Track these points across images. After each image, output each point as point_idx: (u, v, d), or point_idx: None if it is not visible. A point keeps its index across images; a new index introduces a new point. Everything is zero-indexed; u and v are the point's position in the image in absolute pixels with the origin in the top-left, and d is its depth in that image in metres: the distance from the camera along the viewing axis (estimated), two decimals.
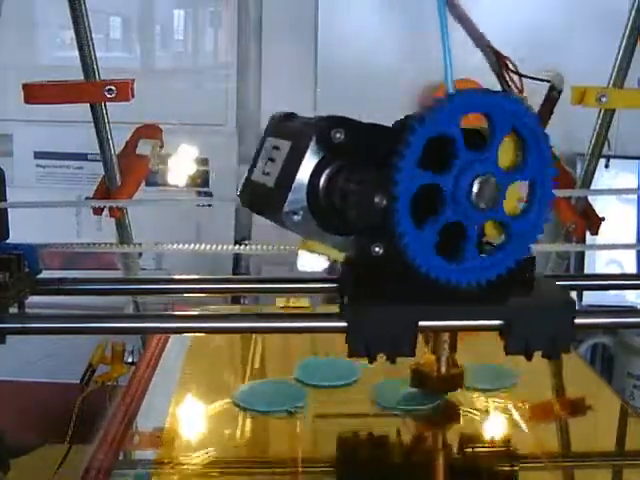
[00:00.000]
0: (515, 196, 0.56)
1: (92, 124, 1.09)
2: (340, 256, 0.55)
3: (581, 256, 1.55)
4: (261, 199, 0.57)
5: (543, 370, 0.86)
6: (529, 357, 0.56)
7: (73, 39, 1.04)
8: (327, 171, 0.53)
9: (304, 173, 0.53)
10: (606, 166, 1.52)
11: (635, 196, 1.61)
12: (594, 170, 1.13)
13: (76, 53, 1.04)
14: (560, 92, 0.69)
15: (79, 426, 1.04)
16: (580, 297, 1.42)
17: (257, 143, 0.60)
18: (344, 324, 0.55)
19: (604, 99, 1.02)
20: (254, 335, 0.90)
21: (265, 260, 1.57)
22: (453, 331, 0.65)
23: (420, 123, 0.51)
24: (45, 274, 0.67)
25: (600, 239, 1.17)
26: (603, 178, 1.50)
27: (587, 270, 1.57)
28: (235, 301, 1.51)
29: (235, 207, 1.65)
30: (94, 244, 0.79)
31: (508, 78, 0.68)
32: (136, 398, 0.76)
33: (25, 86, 1.02)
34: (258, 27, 1.68)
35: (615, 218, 1.45)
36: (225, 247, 0.75)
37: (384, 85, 1.61)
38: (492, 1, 1.59)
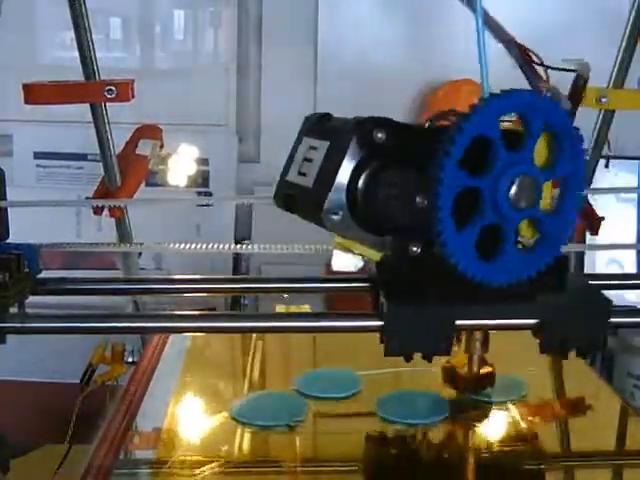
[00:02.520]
0: (548, 193, 0.56)
1: (92, 124, 1.09)
2: (377, 255, 0.55)
3: (581, 256, 1.55)
4: (298, 199, 0.57)
5: (544, 370, 0.86)
6: (565, 355, 0.57)
7: (73, 39, 1.04)
8: (367, 171, 0.53)
9: (344, 173, 0.53)
10: (606, 166, 1.52)
11: (635, 196, 1.61)
12: (594, 170, 1.13)
13: (76, 53, 1.04)
14: (587, 80, 0.69)
15: (79, 426, 1.04)
16: None
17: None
18: (380, 323, 0.55)
19: (604, 99, 1.02)
20: (253, 343, 0.89)
21: (265, 260, 1.57)
22: (489, 330, 0.66)
23: (465, 122, 0.51)
24: (45, 274, 0.67)
25: (600, 239, 1.17)
26: (603, 178, 1.50)
27: (587, 270, 1.57)
28: (235, 301, 1.51)
29: (235, 207, 1.66)
30: (94, 244, 0.79)
31: (533, 70, 0.68)
32: (136, 398, 0.76)
33: (25, 86, 1.02)
34: (258, 27, 1.68)
35: (615, 218, 1.45)
36: (225, 247, 0.75)
37: (384, 85, 1.61)
38: (492, 1, 1.59)
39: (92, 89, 1.04)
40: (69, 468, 0.94)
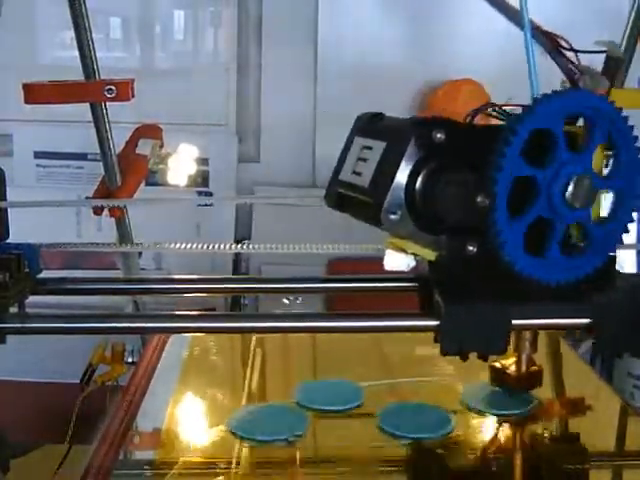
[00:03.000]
0: (598, 203, 0.57)
1: (92, 124, 1.09)
2: (431, 255, 0.55)
3: None
4: (353, 199, 0.57)
5: (543, 370, 0.86)
6: (620, 355, 0.58)
7: (73, 39, 1.04)
8: (425, 171, 0.53)
9: (402, 173, 0.53)
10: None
11: None
12: None
13: (76, 53, 1.04)
14: (621, 60, 0.69)
15: (79, 426, 1.04)
16: None
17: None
18: (436, 323, 0.55)
19: None
20: (252, 351, 0.89)
21: (265, 260, 1.57)
22: (542, 329, 0.67)
23: (528, 114, 0.52)
24: (45, 274, 0.67)
25: None
26: None
27: None
28: (235, 301, 1.51)
29: (235, 207, 1.66)
30: (94, 244, 0.79)
31: (563, 55, 0.68)
32: (136, 398, 0.76)
33: (25, 86, 1.02)
34: (258, 27, 1.67)
35: None
36: (225, 247, 0.75)
37: (384, 84, 1.61)
38: None
39: (92, 89, 1.04)
40: (69, 468, 0.94)
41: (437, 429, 0.68)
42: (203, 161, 1.65)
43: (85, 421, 0.99)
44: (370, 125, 0.59)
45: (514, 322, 0.56)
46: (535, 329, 0.66)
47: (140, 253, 1.41)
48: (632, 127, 0.56)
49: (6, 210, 0.67)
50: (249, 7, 1.67)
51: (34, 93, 1.03)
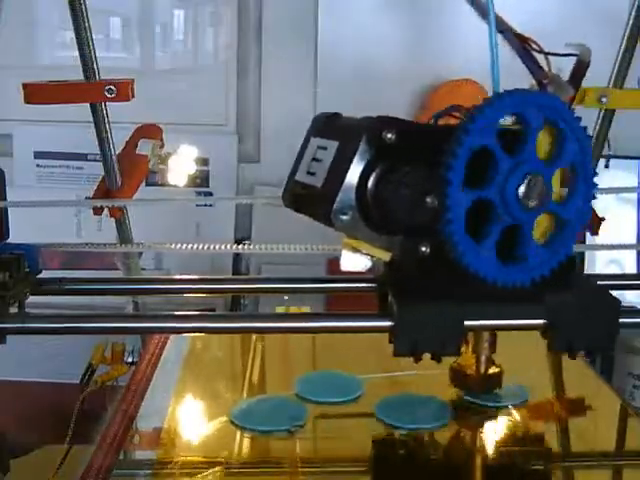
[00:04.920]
0: (558, 184, 0.56)
1: (92, 124, 1.09)
2: (386, 255, 0.55)
3: (581, 256, 1.55)
4: (307, 199, 0.57)
5: (543, 370, 0.86)
6: (573, 356, 0.57)
7: (73, 39, 1.04)
8: (376, 171, 0.53)
9: (353, 173, 0.53)
10: (606, 166, 1.52)
11: (635, 196, 1.61)
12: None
13: (76, 53, 1.04)
14: (588, 64, 0.69)
15: (79, 426, 1.04)
16: None
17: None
18: (390, 323, 0.55)
19: (604, 99, 1.02)
20: (253, 344, 0.89)
21: (265, 260, 1.56)
22: (498, 330, 0.66)
23: (465, 133, 0.51)
24: (45, 274, 0.67)
25: (600, 239, 1.17)
26: (603, 178, 1.50)
27: (587, 270, 1.56)
28: (235, 301, 1.51)
29: (235, 207, 1.66)
30: (94, 244, 0.79)
31: (533, 60, 0.68)
32: (136, 398, 0.76)
33: (25, 86, 1.02)
34: (258, 27, 1.67)
35: (615, 218, 1.45)
36: (225, 247, 0.75)
37: (385, 85, 1.61)
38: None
39: (92, 89, 1.04)
40: (69, 468, 0.94)
41: (434, 420, 0.70)
42: (203, 161, 1.65)
43: (85, 421, 0.99)
44: (326, 125, 0.59)
45: (468, 323, 0.55)
46: (489, 330, 0.66)
47: (140, 253, 1.41)
48: (563, 103, 0.55)
49: (6, 210, 0.67)
50: (249, 7, 1.67)
51: (34, 93, 1.03)
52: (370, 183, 0.53)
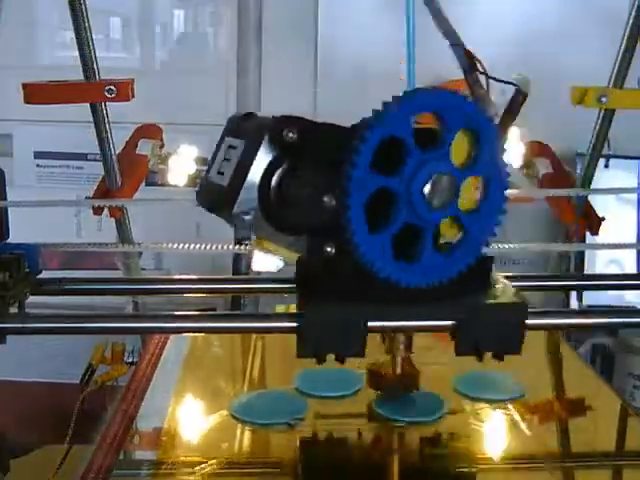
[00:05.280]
0: (471, 192, 0.55)
1: (92, 124, 1.09)
2: (293, 256, 0.55)
3: (581, 256, 1.55)
4: (216, 199, 0.57)
5: (543, 370, 0.86)
6: (480, 358, 0.56)
7: (73, 39, 1.04)
8: (279, 171, 0.53)
9: (256, 172, 0.53)
10: (606, 166, 1.52)
11: (635, 196, 1.61)
12: (594, 170, 1.13)
13: (76, 53, 1.04)
14: (526, 96, 0.69)
15: (79, 426, 1.04)
16: (580, 297, 1.42)
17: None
18: (294, 324, 0.55)
19: (604, 99, 1.02)
20: (253, 342, 0.89)
21: None
22: (404, 331, 0.65)
23: (370, 126, 0.51)
24: (45, 274, 0.67)
25: (600, 239, 1.17)
26: (603, 178, 1.50)
27: (587, 270, 1.56)
28: (235, 301, 1.51)
29: None
30: (94, 244, 0.79)
31: (476, 78, 0.69)
32: (136, 398, 0.76)
33: (25, 86, 1.02)
34: (258, 27, 1.67)
35: (615, 218, 1.45)
36: (225, 247, 0.75)
37: (384, 85, 1.61)
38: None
39: (92, 89, 1.04)
40: (69, 468, 0.94)
41: (430, 414, 0.71)
42: (203, 161, 1.65)
43: (85, 421, 0.99)
44: (238, 125, 0.58)
45: (371, 324, 0.55)
46: (393, 331, 0.65)
47: (140, 253, 1.41)
48: (485, 112, 0.55)
49: (6, 210, 0.67)
50: (249, 7, 1.67)
51: (34, 93, 1.03)
52: (273, 182, 0.53)
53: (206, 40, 1.78)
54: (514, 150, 1.10)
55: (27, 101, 1.02)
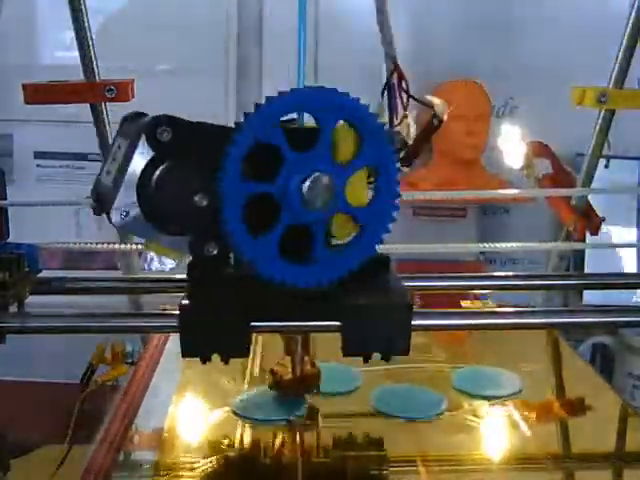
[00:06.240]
0: (361, 187, 0.55)
1: (92, 124, 1.09)
2: (176, 256, 0.55)
3: (581, 256, 1.55)
4: (102, 198, 0.57)
5: (543, 369, 0.86)
6: (366, 358, 0.56)
7: (73, 39, 1.04)
8: (156, 170, 0.53)
9: (134, 172, 0.53)
10: (606, 166, 1.52)
11: (635, 196, 1.61)
12: (594, 170, 1.13)
13: (76, 53, 1.04)
14: (441, 122, 0.69)
15: (79, 426, 1.04)
16: (580, 296, 1.42)
17: None
18: (176, 324, 0.55)
19: (604, 99, 1.02)
20: (254, 338, 0.89)
21: None
22: (289, 332, 0.65)
23: (240, 132, 0.51)
24: (45, 274, 0.67)
25: (600, 239, 1.17)
26: (603, 178, 1.50)
27: (587, 270, 1.57)
28: None
29: None
30: (94, 244, 0.79)
31: (399, 96, 0.69)
32: (136, 398, 0.76)
33: (25, 86, 1.02)
34: (258, 27, 1.67)
35: (615, 218, 1.45)
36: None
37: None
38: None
39: (92, 89, 1.04)
40: (69, 468, 0.94)
41: (429, 410, 0.72)
42: None
43: (85, 421, 0.99)
44: (129, 125, 0.58)
45: (254, 324, 0.55)
46: (278, 331, 0.64)
47: (140, 253, 1.41)
48: (362, 105, 0.54)
49: (6, 210, 0.67)
50: (249, 7, 1.67)
51: (34, 93, 1.02)
52: (152, 183, 0.53)
53: (206, 40, 1.77)
54: (514, 150, 1.10)
55: (27, 101, 1.02)
